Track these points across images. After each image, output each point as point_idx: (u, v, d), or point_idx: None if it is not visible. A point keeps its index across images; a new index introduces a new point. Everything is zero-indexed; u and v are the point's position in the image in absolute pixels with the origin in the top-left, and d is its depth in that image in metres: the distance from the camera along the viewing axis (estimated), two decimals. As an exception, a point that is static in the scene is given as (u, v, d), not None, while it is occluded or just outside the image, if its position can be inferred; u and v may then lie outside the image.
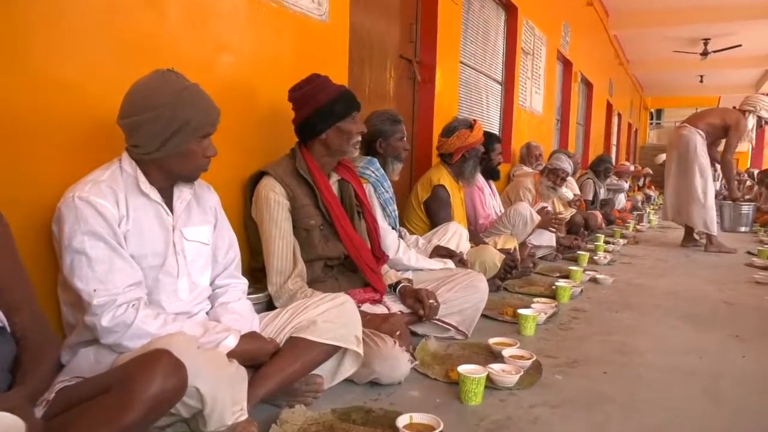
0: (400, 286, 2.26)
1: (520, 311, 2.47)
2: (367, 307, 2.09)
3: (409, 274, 2.52)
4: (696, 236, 5.25)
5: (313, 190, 2.09)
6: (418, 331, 2.29)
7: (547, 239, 4.17)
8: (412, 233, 3.20)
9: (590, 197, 6.92)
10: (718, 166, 5.29)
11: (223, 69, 2.08)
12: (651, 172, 13.11)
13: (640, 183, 11.78)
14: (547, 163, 4.68)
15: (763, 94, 5.03)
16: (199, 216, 1.62)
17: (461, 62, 4.41)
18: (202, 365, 1.22)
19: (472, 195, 3.83)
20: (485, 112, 5.13)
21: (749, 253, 5.08)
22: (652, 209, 9.95)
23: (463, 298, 2.33)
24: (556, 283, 3.09)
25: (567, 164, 4.60)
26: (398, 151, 2.70)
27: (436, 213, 3.16)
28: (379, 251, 2.32)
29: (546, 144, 6.62)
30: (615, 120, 13.14)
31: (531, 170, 5.15)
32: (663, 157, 12.82)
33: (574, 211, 5.23)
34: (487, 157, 3.93)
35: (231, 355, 1.43)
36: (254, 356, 1.52)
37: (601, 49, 10.25)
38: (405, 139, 2.73)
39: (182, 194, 1.58)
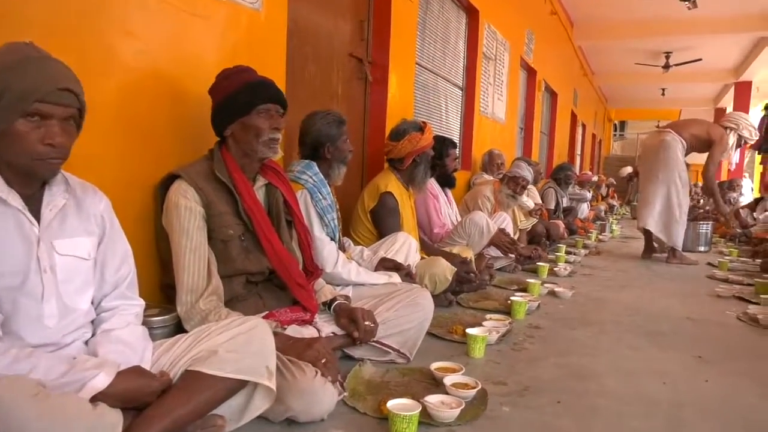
0: (335, 304, 2.02)
1: (469, 331, 2.25)
2: (294, 329, 1.83)
3: (348, 290, 2.28)
4: (655, 244, 5.11)
5: (233, 195, 1.84)
6: (354, 355, 2.05)
7: (506, 250, 3.99)
8: (357, 244, 2.97)
9: (552, 206, 6.81)
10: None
11: (130, 57, 1.81)
12: (614, 182, 13.22)
13: (603, 192, 11.82)
14: (507, 171, 4.51)
15: (741, 112, 5.02)
16: (76, 225, 1.35)
17: (418, 64, 4.21)
18: (35, 418, 0.95)
19: (426, 203, 3.63)
20: (444, 118, 4.95)
21: (710, 264, 5.01)
22: (615, 219, 9.96)
23: (405, 317, 2.10)
24: (511, 298, 2.90)
25: (527, 172, 4.44)
26: (344, 154, 2.47)
27: (383, 222, 2.93)
28: (311, 265, 2.07)
29: (509, 152, 6.49)
30: (579, 130, 13.21)
31: (492, 178, 4.98)
32: (628, 169, 12.96)
33: (535, 220, 5.08)
34: (442, 163, 3.74)
35: (103, 396, 1.17)
36: (134, 397, 1.24)
37: (566, 59, 10.25)
38: (348, 140, 2.50)
39: (54, 199, 1.31)
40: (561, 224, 6.12)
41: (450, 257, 3.02)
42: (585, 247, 5.95)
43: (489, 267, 3.84)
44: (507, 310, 2.85)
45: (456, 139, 5.29)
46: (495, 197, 4.43)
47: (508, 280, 3.75)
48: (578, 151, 13.46)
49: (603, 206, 10.55)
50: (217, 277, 1.78)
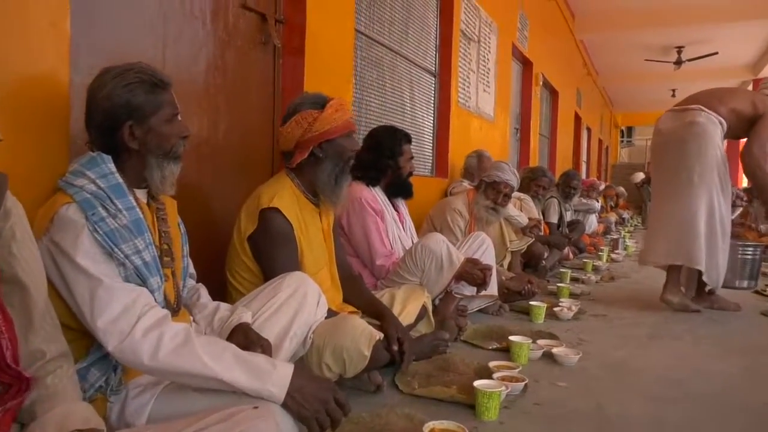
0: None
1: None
2: None
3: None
4: (682, 288, 3.28)
5: None
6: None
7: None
8: (236, 291, 1.86)
9: (555, 220, 5.66)
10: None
11: None
12: (625, 192, 12.06)
13: (612, 203, 10.65)
14: (483, 176, 3.36)
15: None
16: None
17: (359, 32, 3.11)
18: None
19: (365, 222, 2.50)
20: (409, 109, 3.84)
21: (759, 293, 3.84)
22: (628, 232, 8.78)
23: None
24: (476, 386, 1.72)
25: (510, 175, 3.31)
26: (169, 142, 1.35)
27: (266, 257, 1.81)
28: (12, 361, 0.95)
29: (501, 156, 5.37)
30: (584, 134, 12.10)
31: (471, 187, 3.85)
32: (640, 175, 11.80)
33: (530, 239, 3.93)
34: (392, 164, 2.62)
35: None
36: None
37: (568, 54, 9.16)
38: (180, 116, 1.39)
39: None
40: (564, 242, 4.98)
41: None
42: (595, 270, 4.79)
43: (461, 312, 2.70)
44: (468, 402, 1.71)
45: (427, 137, 4.18)
46: (470, 211, 3.29)
47: (485, 331, 2.61)
48: (584, 157, 12.34)
49: (613, 217, 9.38)
50: None
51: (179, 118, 1.37)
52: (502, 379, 1.85)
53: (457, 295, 2.64)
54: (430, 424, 1.46)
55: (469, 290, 2.64)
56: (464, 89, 4.53)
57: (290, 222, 1.83)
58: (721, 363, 2.28)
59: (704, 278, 3.13)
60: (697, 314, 3.15)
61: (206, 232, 2.06)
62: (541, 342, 2.33)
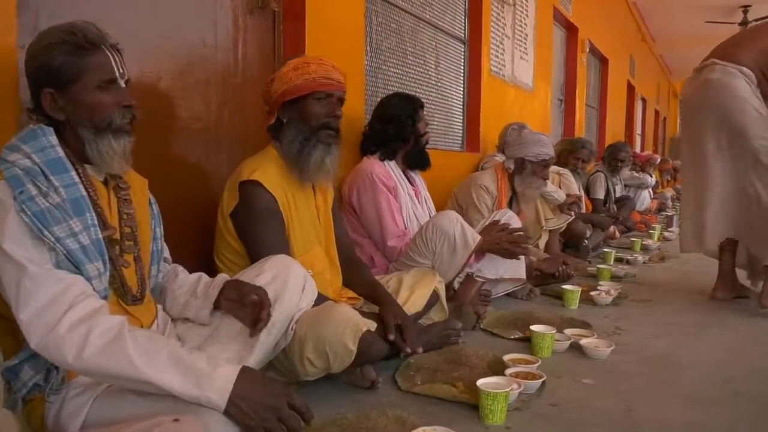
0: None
1: None
2: None
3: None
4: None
5: None
6: None
7: (512, 267, 2.57)
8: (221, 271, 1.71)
9: (601, 196, 5.29)
10: None
11: None
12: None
13: (669, 177, 10.00)
14: (528, 153, 3.01)
15: None
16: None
17: (377, -5, 2.88)
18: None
19: (377, 199, 2.29)
20: (434, 79, 3.58)
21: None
22: (685, 209, 8.20)
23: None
24: (479, 384, 1.51)
25: (551, 148, 3.03)
26: (101, 113, 1.19)
27: (248, 236, 1.65)
28: None
29: (542, 129, 5.02)
30: (639, 106, 11.39)
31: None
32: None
33: (569, 217, 3.62)
34: (409, 131, 2.41)
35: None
36: None
37: (619, 18, 8.56)
38: (123, 82, 1.22)
39: None
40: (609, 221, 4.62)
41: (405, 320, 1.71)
42: (644, 250, 4.42)
43: (485, 297, 2.47)
44: (473, 402, 1.50)
45: (456, 109, 3.91)
46: (499, 187, 3.03)
47: (510, 318, 2.37)
48: (638, 130, 11.64)
49: (669, 192, 8.79)
50: None
51: (121, 84, 1.20)
52: (516, 375, 1.62)
53: (479, 279, 2.41)
54: (419, 431, 1.27)
55: (493, 272, 2.41)
56: (497, 57, 4.21)
57: (274, 196, 1.66)
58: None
59: (739, 264, 2.75)
60: (747, 303, 2.71)
61: (197, 213, 1.92)
62: (569, 332, 2.08)
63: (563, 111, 6.42)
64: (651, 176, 6.85)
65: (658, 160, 8.10)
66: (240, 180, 1.65)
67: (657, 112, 14.27)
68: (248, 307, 1.33)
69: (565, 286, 2.66)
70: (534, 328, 1.97)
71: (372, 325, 1.53)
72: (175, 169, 1.92)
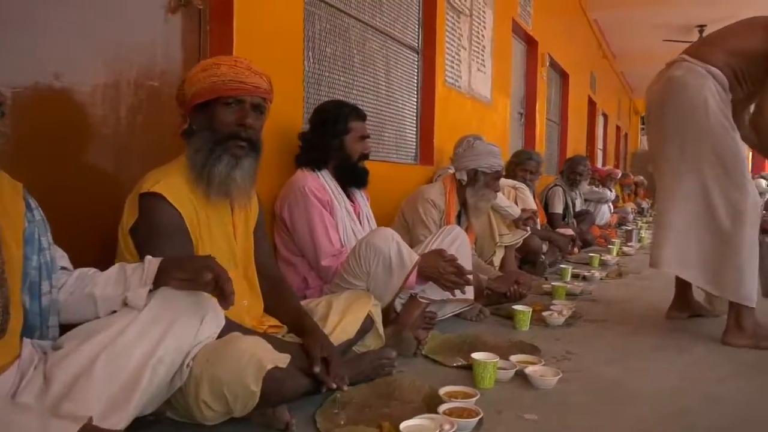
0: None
1: None
2: None
3: None
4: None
5: None
6: None
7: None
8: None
9: (560, 210, 5.22)
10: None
11: None
12: (645, 180, 11.48)
13: (629, 192, 10.08)
14: (481, 165, 2.86)
15: None
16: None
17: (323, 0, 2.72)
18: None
19: (309, 215, 2.11)
20: (384, 88, 3.42)
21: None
22: (645, 223, 8.24)
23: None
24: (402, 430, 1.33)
25: (500, 159, 2.91)
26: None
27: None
28: None
29: (501, 142, 4.93)
30: (600, 121, 11.51)
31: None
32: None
33: (524, 233, 3.50)
34: (337, 144, 2.23)
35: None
36: None
37: (580, 34, 8.63)
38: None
39: None
40: (568, 233, 4.53)
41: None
42: (603, 265, 4.34)
43: (428, 320, 2.30)
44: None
45: (409, 120, 3.76)
46: (448, 201, 2.88)
47: (455, 343, 2.20)
48: (600, 145, 11.76)
49: (630, 207, 8.85)
50: None
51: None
52: (451, 413, 1.45)
53: (423, 300, 2.24)
54: None
55: (438, 293, 2.24)
56: (453, 68, 4.10)
57: (179, 211, 1.46)
58: (743, 386, 1.85)
59: (714, 292, 2.33)
60: (717, 320, 2.54)
61: (100, 229, 1.70)
62: (515, 358, 1.92)
63: (523, 125, 6.37)
64: (611, 191, 6.84)
65: (619, 174, 8.14)
66: (140, 192, 1.45)
67: (618, 128, 14.50)
68: (205, 286, 1.21)
69: (515, 307, 2.51)
70: (476, 356, 1.81)
71: (283, 360, 1.33)
72: (76, 178, 1.71)
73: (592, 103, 10.30)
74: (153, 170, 1.56)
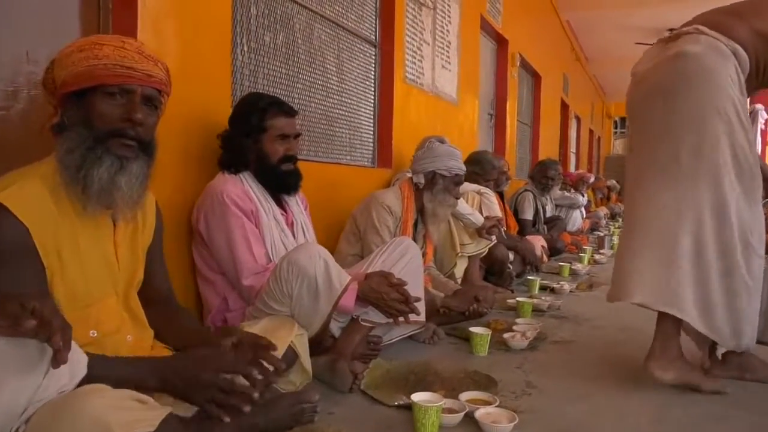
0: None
1: None
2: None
3: None
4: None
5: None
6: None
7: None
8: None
9: (530, 216, 4.98)
10: None
11: None
12: (618, 185, 11.39)
13: (601, 196, 9.95)
14: (439, 167, 2.58)
15: None
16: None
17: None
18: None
19: (228, 225, 1.79)
20: (335, 84, 3.12)
21: None
22: (617, 228, 8.09)
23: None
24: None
25: (461, 162, 2.64)
26: None
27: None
28: None
29: (469, 144, 4.68)
30: (573, 124, 11.39)
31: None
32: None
33: (489, 242, 3.23)
34: (251, 144, 1.91)
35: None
36: None
37: (552, 35, 8.45)
38: None
39: None
40: (538, 241, 4.28)
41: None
42: (573, 275, 4.11)
43: (373, 346, 2.01)
44: None
45: (365, 120, 3.47)
46: (405, 207, 2.59)
47: (401, 373, 1.90)
48: (573, 148, 11.64)
49: (603, 211, 8.70)
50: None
51: None
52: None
53: (364, 323, 1.94)
54: None
55: (383, 316, 1.94)
56: (414, 64, 3.81)
57: (26, 226, 1.13)
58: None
59: (709, 335, 1.80)
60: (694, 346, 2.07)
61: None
62: (465, 396, 1.63)
63: (493, 127, 6.13)
64: (583, 195, 6.65)
65: (592, 179, 7.97)
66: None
67: (591, 132, 14.44)
68: (28, 334, 0.89)
69: (473, 330, 2.22)
70: (417, 397, 1.51)
71: (150, 421, 1.02)
72: None
73: (564, 106, 10.16)
74: (9, 173, 1.24)
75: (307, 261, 1.62)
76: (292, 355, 1.54)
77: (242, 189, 1.85)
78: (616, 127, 21.18)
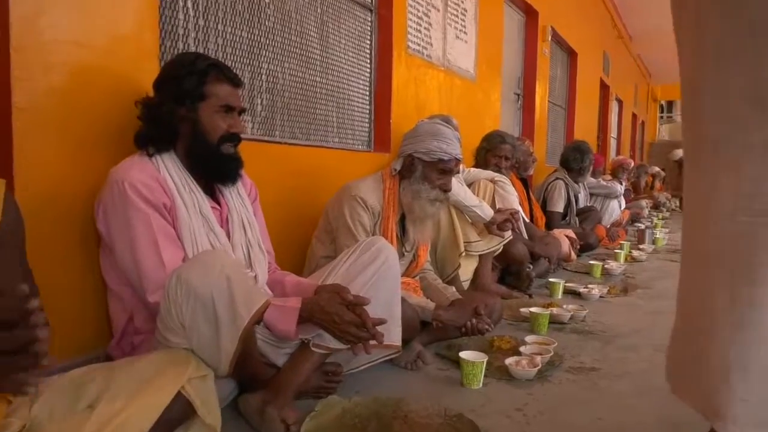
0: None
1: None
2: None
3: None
4: None
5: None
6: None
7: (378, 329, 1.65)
8: None
9: (560, 209, 4.43)
10: None
11: None
12: (662, 172, 10.58)
13: (645, 183, 9.19)
14: (418, 149, 2.11)
15: None
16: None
17: None
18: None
19: (129, 223, 1.36)
20: (318, 54, 2.66)
21: None
22: (661, 219, 7.39)
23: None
24: None
25: (457, 144, 2.12)
26: None
27: None
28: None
29: (491, 127, 4.14)
30: (614, 107, 10.59)
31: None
32: (680, 153, 10.26)
33: (502, 239, 2.74)
34: (185, 114, 1.47)
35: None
36: None
37: (591, 9, 7.75)
38: None
39: None
40: (564, 235, 3.74)
41: None
42: (606, 275, 3.56)
43: (331, 377, 1.57)
44: None
45: (358, 97, 3.00)
46: (389, 200, 2.12)
47: (361, 416, 1.45)
48: (613, 133, 10.84)
49: (645, 202, 7.96)
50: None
51: None
52: None
53: (316, 350, 1.49)
54: None
55: (338, 342, 1.49)
56: (419, 32, 3.31)
57: None
58: None
59: None
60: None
61: None
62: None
63: (521, 108, 5.55)
64: (622, 184, 6.01)
65: (632, 165, 7.26)
66: None
67: (635, 116, 13.53)
68: None
69: (462, 355, 1.74)
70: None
71: None
72: None
73: (604, 87, 9.40)
74: None
75: (200, 278, 1.17)
76: (182, 407, 1.10)
77: (152, 175, 1.42)
78: (662, 112, 19.97)
